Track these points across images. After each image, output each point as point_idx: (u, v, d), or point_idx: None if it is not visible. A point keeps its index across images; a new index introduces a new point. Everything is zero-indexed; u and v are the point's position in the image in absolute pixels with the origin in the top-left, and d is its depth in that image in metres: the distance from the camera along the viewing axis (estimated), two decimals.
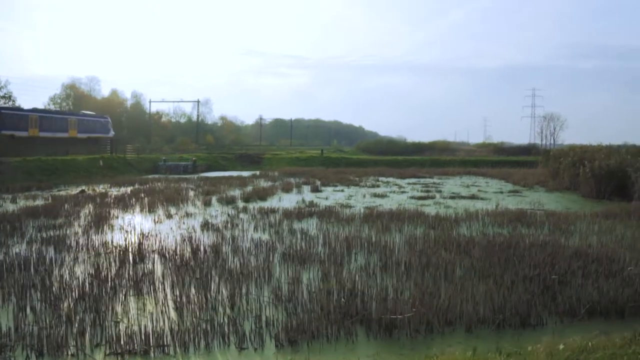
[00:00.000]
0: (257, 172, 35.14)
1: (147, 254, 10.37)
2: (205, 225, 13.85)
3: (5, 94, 54.50)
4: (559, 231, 13.34)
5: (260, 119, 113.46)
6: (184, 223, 14.53)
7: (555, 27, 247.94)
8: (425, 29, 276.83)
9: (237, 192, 22.50)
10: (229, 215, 15.98)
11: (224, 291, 7.92)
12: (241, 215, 15.95)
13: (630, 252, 10.70)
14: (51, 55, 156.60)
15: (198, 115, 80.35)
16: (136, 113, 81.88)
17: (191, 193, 22.25)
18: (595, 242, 11.72)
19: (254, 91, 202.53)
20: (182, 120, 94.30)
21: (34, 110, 41.16)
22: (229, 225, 13.97)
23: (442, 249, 10.76)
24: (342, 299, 7.30)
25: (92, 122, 45.25)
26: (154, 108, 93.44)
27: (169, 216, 15.78)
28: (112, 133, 47.29)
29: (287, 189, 24.31)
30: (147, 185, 24.83)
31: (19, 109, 41.67)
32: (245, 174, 35.06)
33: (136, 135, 75.74)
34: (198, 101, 77.35)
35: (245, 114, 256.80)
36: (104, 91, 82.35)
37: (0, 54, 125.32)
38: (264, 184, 27.03)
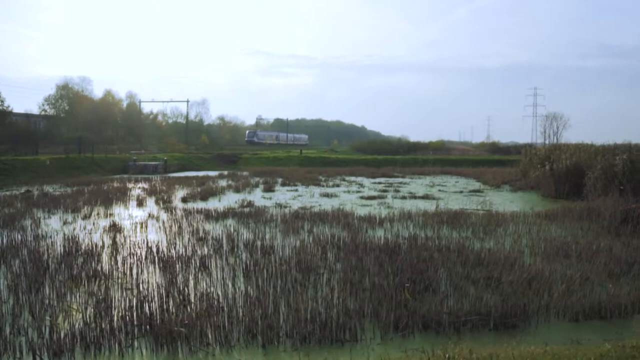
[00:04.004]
0: (225, 172, 34.52)
1: (5, 258, 9.76)
2: (112, 227, 13.24)
3: None
4: (482, 233, 12.59)
5: (259, 118, 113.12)
6: (93, 224, 13.95)
7: (560, 25, 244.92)
8: (429, 28, 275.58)
9: (184, 192, 21.93)
10: (149, 215, 15.40)
11: (39, 298, 7.29)
12: (162, 216, 15.36)
13: (531, 257, 9.96)
14: (56, 56, 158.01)
15: (187, 115, 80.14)
16: (132, 113, 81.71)
17: (137, 193, 21.72)
18: (507, 245, 10.98)
19: (259, 91, 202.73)
20: (180, 120, 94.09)
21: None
22: (136, 226, 13.38)
23: (333, 252, 10.05)
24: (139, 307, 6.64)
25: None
26: (153, 108, 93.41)
27: (86, 217, 15.21)
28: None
29: (239, 189, 23.69)
30: (100, 186, 24.32)
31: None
32: (212, 173, 34.46)
33: (131, 135, 75.81)
34: (187, 101, 77.16)
35: (250, 114, 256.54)
36: (97, 91, 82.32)
37: (7, 55, 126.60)
38: (222, 183, 26.41)
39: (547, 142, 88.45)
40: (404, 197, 20.85)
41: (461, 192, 23.70)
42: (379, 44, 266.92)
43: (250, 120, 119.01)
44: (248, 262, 9.32)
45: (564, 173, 20.90)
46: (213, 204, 18.13)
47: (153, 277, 8.49)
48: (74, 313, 6.79)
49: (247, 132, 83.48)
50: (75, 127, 66.43)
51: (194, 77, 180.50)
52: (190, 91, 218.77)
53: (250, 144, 74.61)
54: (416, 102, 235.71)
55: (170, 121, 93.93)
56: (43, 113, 70.18)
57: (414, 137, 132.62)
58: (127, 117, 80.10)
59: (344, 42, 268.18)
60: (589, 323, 6.69)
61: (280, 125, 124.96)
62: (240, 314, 6.57)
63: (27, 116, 65.11)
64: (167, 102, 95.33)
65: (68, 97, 74.52)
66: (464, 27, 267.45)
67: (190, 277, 8.48)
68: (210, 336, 6.02)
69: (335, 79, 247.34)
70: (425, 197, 21.10)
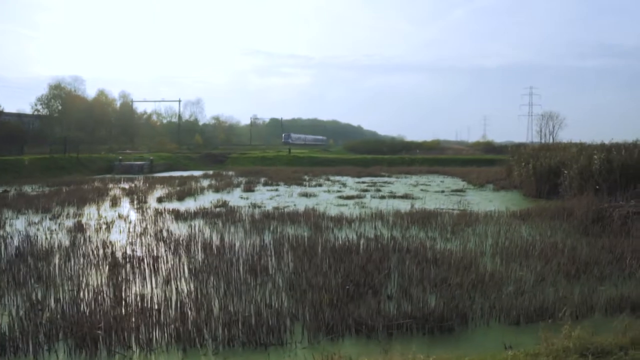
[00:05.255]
0: (210, 172, 34.31)
1: None
2: (76, 228, 13.04)
3: None
4: (449, 233, 12.43)
5: (254, 118, 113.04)
6: (59, 225, 13.75)
7: (560, 25, 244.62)
8: (429, 28, 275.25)
9: (163, 192, 21.75)
10: (119, 216, 15.23)
11: None
12: (132, 216, 15.21)
13: (491, 258, 9.81)
14: (56, 56, 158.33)
15: (179, 115, 79.99)
16: (125, 113, 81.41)
17: (115, 193, 21.53)
18: (470, 246, 10.81)
19: (258, 91, 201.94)
20: (175, 120, 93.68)
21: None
22: (101, 227, 13.19)
23: (289, 253, 9.87)
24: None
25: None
26: (147, 108, 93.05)
27: (54, 217, 15.02)
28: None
29: (219, 189, 23.51)
30: (80, 186, 24.13)
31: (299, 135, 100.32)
32: (197, 173, 34.22)
33: (124, 134, 75.66)
34: (179, 100, 77.01)
35: (248, 114, 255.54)
36: (90, 91, 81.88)
37: (6, 55, 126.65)
38: (203, 183, 26.23)
39: (543, 141, 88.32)
40: (382, 197, 20.68)
41: (443, 191, 23.54)
42: (379, 43, 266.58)
43: (245, 120, 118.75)
44: (200, 262, 9.17)
45: (546, 172, 20.74)
46: (187, 204, 17.95)
47: (98, 279, 8.31)
48: (2, 315, 6.62)
49: (283, 134, 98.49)
50: (68, 126, 66.15)
51: (193, 77, 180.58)
52: (189, 91, 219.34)
53: (286, 144, 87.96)
54: (415, 102, 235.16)
55: (165, 121, 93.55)
56: (35, 113, 69.88)
57: (413, 136, 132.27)
58: (120, 117, 79.87)
59: (343, 42, 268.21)
60: (530, 326, 6.49)
61: (276, 125, 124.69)
62: (171, 315, 6.41)
63: (20, 116, 64.85)
64: (160, 101, 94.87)
65: (60, 97, 74.27)
66: (464, 27, 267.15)
67: (136, 278, 8.33)
68: (132, 339, 5.86)
69: (335, 79, 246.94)
70: (405, 196, 20.93)
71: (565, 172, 17.80)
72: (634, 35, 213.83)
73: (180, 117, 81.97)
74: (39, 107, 72.67)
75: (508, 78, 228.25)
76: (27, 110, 69.31)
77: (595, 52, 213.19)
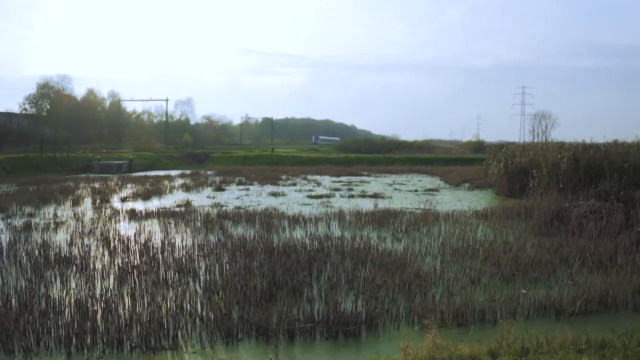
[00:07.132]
0: (188, 172, 34.00)
1: None
2: (24, 227, 12.78)
3: None
4: (402, 233, 12.24)
5: (246, 117, 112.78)
6: (8, 224, 13.46)
7: (557, 25, 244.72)
8: (423, 27, 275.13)
9: (131, 191, 21.46)
10: (74, 215, 14.94)
11: None
12: (87, 216, 14.93)
13: (433, 258, 9.61)
14: (53, 55, 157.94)
15: (166, 114, 79.66)
16: (114, 112, 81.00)
17: (82, 192, 21.22)
18: (417, 246, 10.58)
19: (255, 91, 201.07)
20: (165, 120, 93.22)
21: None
22: (48, 227, 12.92)
23: (228, 253, 9.62)
24: None
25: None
26: (136, 107, 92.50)
27: (7, 217, 14.74)
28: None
29: (190, 188, 23.24)
30: (50, 185, 23.80)
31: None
32: (175, 172, 33.97)
33: (114, 134, 75.35)
34: (167, 100, 76.75)
35: (243, 113, 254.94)
36: (79, 90, 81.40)
37: (3, 54, 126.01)
38: (177, 182, 25.94)
39: (535, 140, 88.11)
40: (351, 196, 20.44)
41: (416, 190, 23.32)
42: (375, 43, 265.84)
43: (239, 120, 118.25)
44: (130, 263, 8.91)
45: (517, 171, 20.57)
46: (150, 204, 17.70)
47: (16, 280, 8.05)
48: None
49: (312, 137, 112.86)
50: (56, 126, 65.69)
51: (189, 77, 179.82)
52: (185, 91, 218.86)
53: (315, 144, 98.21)
54: (411, 101, 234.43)
55: (155, 120, 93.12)
56: (24, 112, 69.41)
57: (407, 136, 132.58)
58: (109, 116, 79.47)
59: (338, 42, 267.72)
60: (442, 331, 6.25)
61: (268, 124, 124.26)
62: (70, 318, 6.16)
63: (9, 115, 64.42)
64: (147, 100, 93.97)
65: (49, 96, 73.78)
66: (460, 27, 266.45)
67: (57, 280, 8.07)
68: (17, 343, 5.59)
69: (330, 78, 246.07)
70: (374, 195, 20.70)
71: (534, 171, 17.60)
72: (628, 35, 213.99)
73: (167, 116, 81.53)
74: (27, 106, 72.27)
75: (503, 77, 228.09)
76: (16, 109, 68.87)
77: (590, 52, 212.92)
